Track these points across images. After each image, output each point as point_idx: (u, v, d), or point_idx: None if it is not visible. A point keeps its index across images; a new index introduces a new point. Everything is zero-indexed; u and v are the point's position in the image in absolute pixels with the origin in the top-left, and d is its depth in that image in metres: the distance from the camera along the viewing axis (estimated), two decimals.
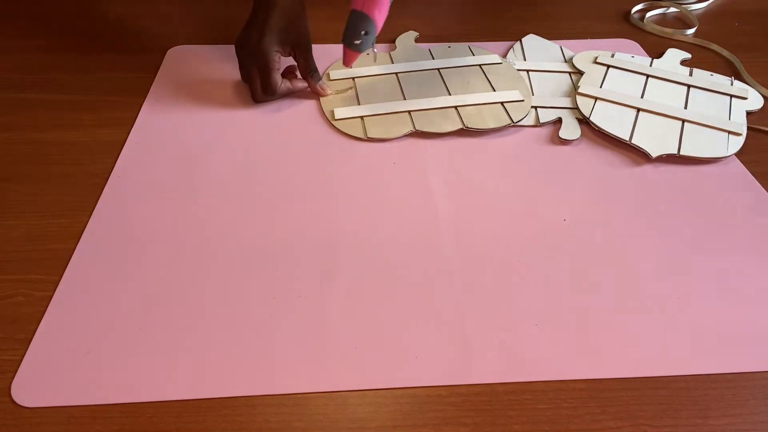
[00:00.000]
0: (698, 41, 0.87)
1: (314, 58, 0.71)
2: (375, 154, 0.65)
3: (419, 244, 0.55)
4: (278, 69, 0.69)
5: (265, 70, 0.68)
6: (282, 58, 0.69)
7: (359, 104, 0.71)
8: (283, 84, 0.70)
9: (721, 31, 0.90)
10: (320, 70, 0.76)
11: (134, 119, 0.69)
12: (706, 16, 0.95)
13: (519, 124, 0.69)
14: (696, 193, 0.61)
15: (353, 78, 0.75)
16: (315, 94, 0.73)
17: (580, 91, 0.73)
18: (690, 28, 0.90)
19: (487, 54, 0.80)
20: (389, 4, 0.65)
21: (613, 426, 0.43)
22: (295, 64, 0.72)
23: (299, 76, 0.73)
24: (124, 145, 0.65)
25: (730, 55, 0.83)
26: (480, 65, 0.77)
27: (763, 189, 0.62)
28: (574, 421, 0.43)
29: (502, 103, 0.71)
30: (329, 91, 0.73)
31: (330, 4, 0.92)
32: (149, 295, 0.50)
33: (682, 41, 0.87)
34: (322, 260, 0.54)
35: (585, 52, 0.80)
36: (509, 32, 0.87)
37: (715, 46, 0.85)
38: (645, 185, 0.62)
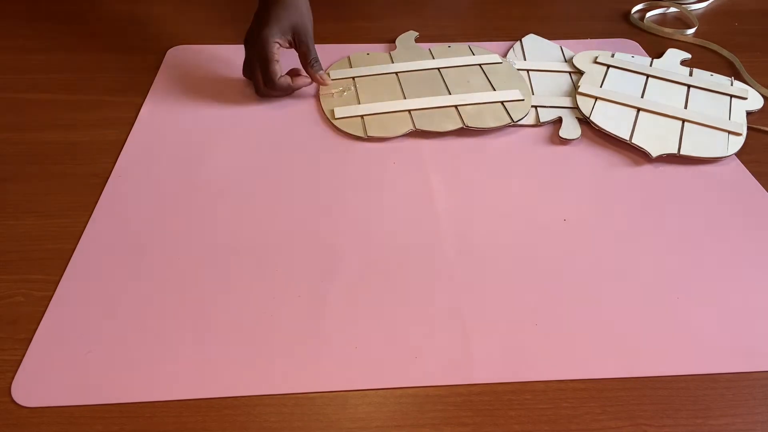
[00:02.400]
0: (698, 41, 0.87)
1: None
2: (375, 153, 0.65)
3: (419, 244, 0.55)
4: (277, 60, 0.69)
5: (264, 62, 0.68)
6: (287, 50, 0.70)
7: (359, 103, 0.71)
8: (282, 78, 0.70)
9: (721, 31, 0.90)
10: None
11: (134, 119, 0.69)
12: (706, 16, 0.95)
13: (519, 123, 0.69)
14: (696, 193, 0.61)
15: (353, 78, 0.75)
16: (316, 83, 0.73)
17: (580, 90, 0.73)
18: (690, 28, 0.90)
19: (487, 54, 0.80)
20: None
21: (613, 426, 0.43)
22: (300, 66, 0.72)
23: (303, 73, 0.73)
24: (124, 145, 0.65)
25: (730, 55, 0.83)
26: (480, 65, 0.77)
27: (763, 189, 0.62)
28: (574, 421, 0.43)
29: (502, 102, 0.71)
30: (329, 81, 0.73)
31: (330, 4, 0.92)
32: (149, 295, 0.50)
33: (682, 41, 0.87)
34: (322, 260, 0.53)
35: (585, 52, 0.80)
36: (509, 32, 0.87)
37: (714, 46, 0.85)
38: (645, 185, 0.62)
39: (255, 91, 0.72)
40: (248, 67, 0.71)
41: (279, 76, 0.69)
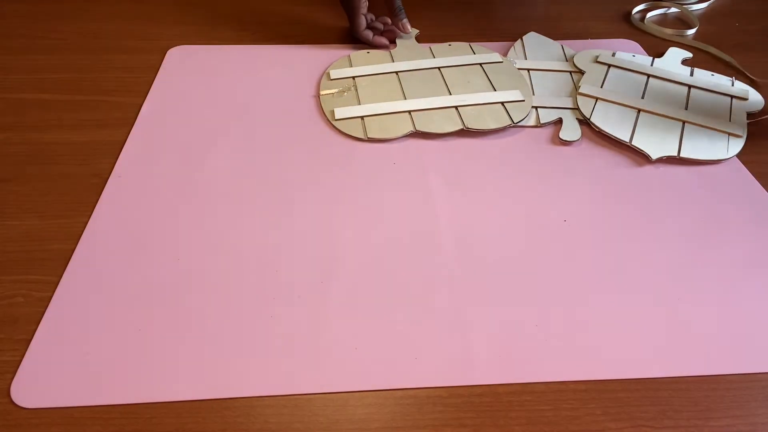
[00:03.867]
0: (697, 44, 0.87)
1: (315, 57, 0.71)
2: (375, 154, 0.65)
3: (419, 245, 0.55)
4: (363, 14, 0.81)
5: (351, 13, 0.81)
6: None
7: (359, 104, 0.71)
8: (365, 31, 0.81)
9: (721, 31, 0.90)
10: (320, 70, 0.76)
11: (134, 119, 0.69)
12: (706, 16, 0.95)
13: (519, 124, 0.69)
14: (696, 194, 0.61)
15: (353, 77, 0.75)
16: (399, 31, 0.83)
17: (580, 91, 0.73)
18: (691, 28, 0.90)
19: (488, 53, 0.79)
20: None
21: (614, 427, 0.43)
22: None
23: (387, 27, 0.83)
24: (124, 145, 0.65)
25: (728, 57, 0.83)
26: (481, 64, 0.77)
27: (763, 189, 0.62)
28: (574, 422, 0.43)
29: (502, 103, 0.71)
30: (409, 29, 0.83)
31: (331, 4, 0.92)
32: (149, 295, 0.50)
33: (682, 43, 0.87)
34: (322, 260, 0.53)
35: (586, 51, 0.80)
36: (510, 32, 0.87)
37: (713, 50, 0.85)
38: (645, 186, 0.62)
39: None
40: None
41: (363, 28, 0.81)
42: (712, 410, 0.44)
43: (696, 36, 0.89)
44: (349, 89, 0.74)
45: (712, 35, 0.89)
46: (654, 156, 0.64)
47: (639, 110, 0.70)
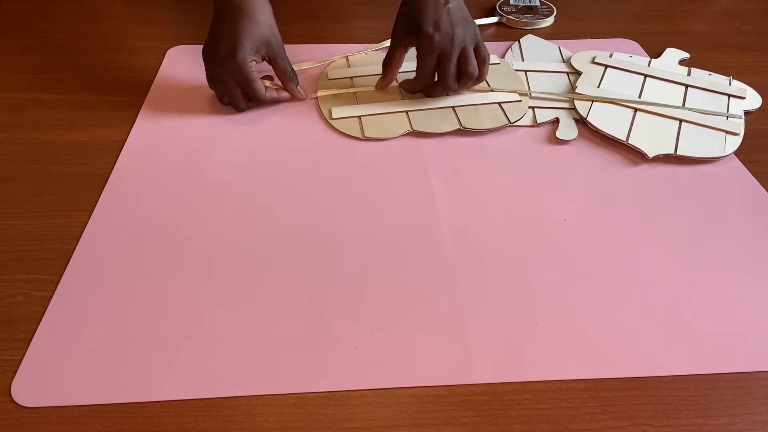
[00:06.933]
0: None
1: (314, 58, 0.71)
2: (374, 154, 0.65)
3: (419, 244, 0.55)
4: (257, 78, 0.67)
5: (246, 81, 0.66)
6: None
7: (357, 103, 0.71)
8: (268, 92, 0.69)
9: (721, 31, 0.90)
10: (320, 70, 0.76)
11: (134, 119, 0.69)
12: (706, 15, 0.95)
13: (516, 124, 0.69)
14: (695, 193, 0.61)
15: (351, 78, 0.75)
16: (294, 98, 0.71)
17: (577, 91, 0.73)
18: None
19: None
20: None
21: (613, 426, 0.43)
22: (272, 74, 0.71)
23: (276, 82, 0.71)
24: (124, 145, 0.65)
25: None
26: None
27: (763, 189, 0.62)
28: (574, 421, 0.43)
29: (499, 103, 0.71)
30: (304, 96, 0.71)
31: (330, 4, 0.92)
32: (149, 294, 0.50)
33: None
34: (322, 260, 0.54)
35: (583, 52, 0.80)
36: (508, 33, 0.87)
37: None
38: (643, 185, 0.62)
39: (234, 106, 0.70)
40: (219, 83, 0.68)
41: (264, 90, 0.68)
42: (712, 408, 0.44)
43: (693, 36, 0.89)
44: (347, 89, 0.74)
45: (711, 35, 0.89)
46: (650, 154, 0.65)
47: (636, 109, 0.71)
